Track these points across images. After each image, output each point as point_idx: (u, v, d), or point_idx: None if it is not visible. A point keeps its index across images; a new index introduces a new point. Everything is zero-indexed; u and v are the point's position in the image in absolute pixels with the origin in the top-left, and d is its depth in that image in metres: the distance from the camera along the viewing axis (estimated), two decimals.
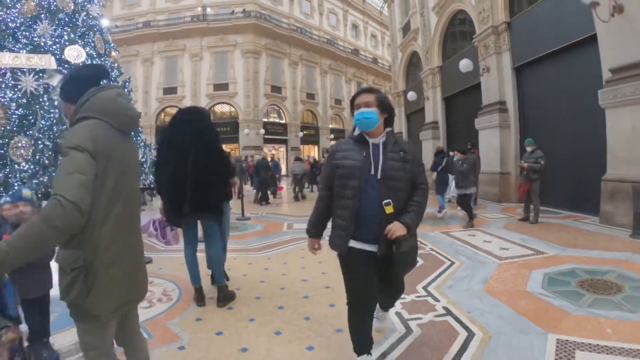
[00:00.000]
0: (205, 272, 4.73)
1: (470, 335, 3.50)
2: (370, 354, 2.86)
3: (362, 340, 2.87)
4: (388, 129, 2.77)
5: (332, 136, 41.99)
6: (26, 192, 3.18)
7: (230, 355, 3.30)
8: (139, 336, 2.40)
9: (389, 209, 2.56)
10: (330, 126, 42.61)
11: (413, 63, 23.41)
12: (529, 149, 9.19)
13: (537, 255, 6.14)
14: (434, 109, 19.12)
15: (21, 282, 2.66)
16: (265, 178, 15.70)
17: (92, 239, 1.85)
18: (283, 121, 37.35)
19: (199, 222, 4.58)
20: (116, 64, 11.80)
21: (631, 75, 8.08)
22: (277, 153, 35.46)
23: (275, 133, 35.91)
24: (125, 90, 11.81)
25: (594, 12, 8.50)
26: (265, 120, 35.42)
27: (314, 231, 2.98)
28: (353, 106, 2.77)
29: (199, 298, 4.47)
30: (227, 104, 34.79)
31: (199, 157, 4.18)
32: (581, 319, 3.73)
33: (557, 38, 10.93)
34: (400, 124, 24.48)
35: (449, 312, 3.97)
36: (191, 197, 4.14)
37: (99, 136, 1.87)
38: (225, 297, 4.49)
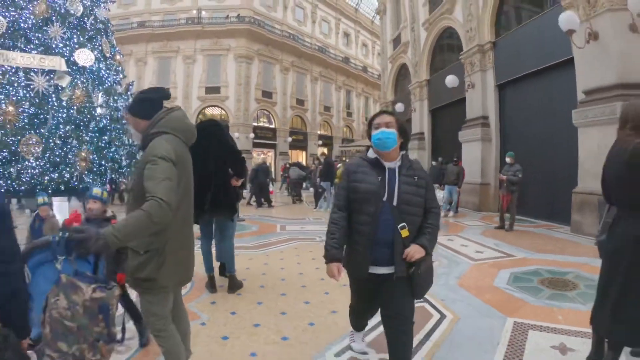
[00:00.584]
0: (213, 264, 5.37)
1: (442, 317, 4.22)
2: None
3: (359, 326, 3.43)
4: (403, 152, 2.80)
5: (320, 142, 42.66)
6: (96, 190, 3.66)
7: (245, 329, 3.98)
8: (183, 308, 3.04)
9: (405, 233, 2.61)
10: (319, 132, 43.23)
11: (402, 74, 24.21)
12: (508, 160, 9.93)
13: (507, 258, 6.91)
14: (421, 121, 19.93)
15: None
16: (264, 182, 16.37)
17: (165, 229, 2.43)
18: (272, 126, 37.90)
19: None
20: (120, 67, 12.38)
21: (599, 98, 8.89)
22: (266, 157, 36.09)
23: (264, 137, 36.44)
24: (129, 93, 12.39)
25: (571, 38, 9.27)
26: (255, 124, 35.92)
27: (337, 254, 2.74)
28: (371, 126, 2.81)
29: (212, 285, 5.12)
30: (218, 107, 35.21)
31: (219, 164, 4.83)
32: (537, 308, 4.45)
33: (537, 59, 11.73)
34: None
35: (426, 300, 4.62)
36: (211, 198, 4.77)
37: (176, 149, 2.50)
38: (235, 285, 5.17)
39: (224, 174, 4.88)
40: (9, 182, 8.89)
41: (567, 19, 8.83)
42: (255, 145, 35.71)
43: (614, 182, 2.85)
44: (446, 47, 18.41)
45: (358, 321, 3.36)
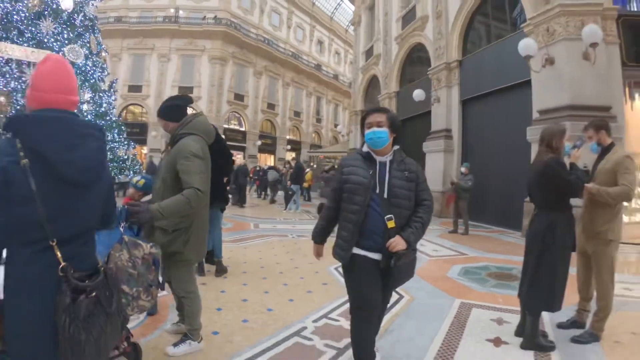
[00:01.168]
0: None
1: (401, 297, 4.96)
2: None
3: (365, 352, 2.90)
4: (395, 147, 2.92)
5: (288, 147, 43.29)
6: (136, 180, 4.34)
7: (235, 303, 4.66)
8: None
9: (391, 224, 2.71)
10: (288, 137, 43.86)
11: (372, 85, 25.01)
12: (463, 170, 10.87)
13: (461, 256, 7.74)
14: None
15: None
16: (244, 183, 17.05)
17: (193, 213, 3.14)
18: (243, 129, 38.32)
19: None
20: (105, 64, 12.80)
21: (552, 117, 9.80)
22: (236, 160, 36.34)
23: (234, 140, 36.72)
24: (112, 90, 12.82)
25: (529, 63, 10.19)
26: (226, 126, 36.21)
27: (319, 239, 3.18)
28: (363, 124, 2.94)
29: (201, 269, 5.77)
30: (191, 107, 35.10)
31: (215, 161, 5.49)
32: (482, 293, 5.22)
33: (499, 79, 12.69)
34: (356, 141, 25.96)
35: None
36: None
37: (203, 147, 3.20)
38: (222, 269, 5.88)
39: (220, 170, 5.55)
40: None
41: (525, 45, 9.77)
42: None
43: (532, 187, 3.76)
44: (416, 60, 19.31)
45: (364, 334, 2.92)
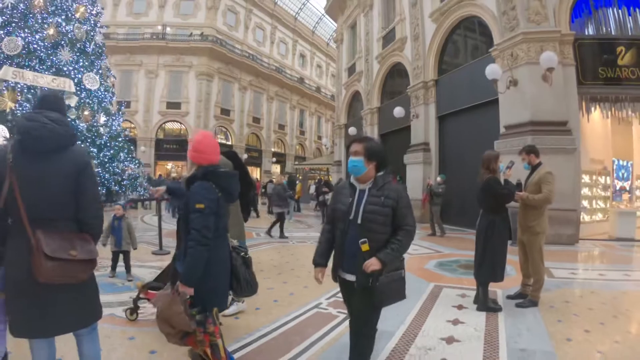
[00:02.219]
0: None
1: None
2: None
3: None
4: (379, 174, 3.08)
5: (274, 159, 44.45)
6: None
7: (264, 290, 5.69)
8: None
9: (365, 247, 2.88)
10: (273, 149, 45.09)
11: (355, 99, 26.49)
12: (439, 179, 12.45)
13: (436, 253, 9.29)
14: None
15: None
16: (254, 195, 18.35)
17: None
18: (229, 142, 39.35)
19: None
20: (113, 88, 14.00)
21: (515, 132, 11.26)
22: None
23: (222, 154, 37.68)
24: (121, 112, 14.02)
25: (495, 85, 11.63)
26: None
27: (320, 261, 3.29)
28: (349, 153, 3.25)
29: None
30: (179, 122, 36.50)
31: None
32: (452, 278, 6.68)
33: (471, 97, 14.18)
34: (340, 154, 27.39)
35: None
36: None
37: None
38: None
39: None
40: None
41: (491, 70, 11.24)
42: None
43: (479, 197, 5.25)
44: (396, 76, 20.80)
45: (352, 344, 3.27)
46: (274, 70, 44.52)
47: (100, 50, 13.34)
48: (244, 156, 39.32)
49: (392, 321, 4.53)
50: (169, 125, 36.74)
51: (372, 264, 2.81)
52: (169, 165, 36.69)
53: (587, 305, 5.35)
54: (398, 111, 17.44)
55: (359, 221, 2.98)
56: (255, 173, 41.89)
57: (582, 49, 11.68)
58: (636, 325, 4.88)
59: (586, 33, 12.16)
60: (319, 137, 52.95)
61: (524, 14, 11.44)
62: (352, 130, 22.49)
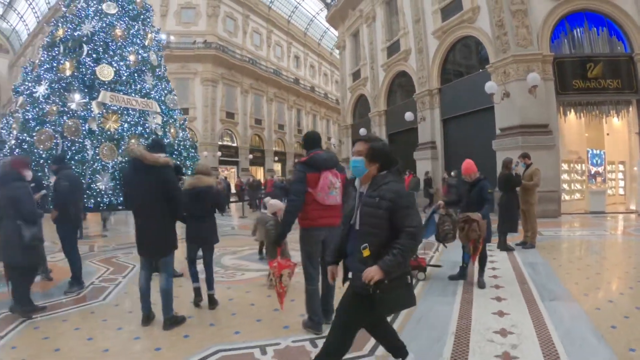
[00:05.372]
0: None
1: None
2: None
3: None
4: (380, 174, 3.02)
5: (276, 158, 48.14)
6: None
7: None
8: None
9: (366, 252, 2.83)
10: (274, 149, 48.55)
11: (360, 101, 30.07)
12: (453, 174, 15.99)
13: None
14: None
15: None
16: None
17: None
18: (235, 144, 42.63)
19: None
20: (173, 105, 17.35)
21: (509, 134, 14.98)
22: (229, 173, 40.70)
23: (228, 155, 40.94)
24: (185, 123, 17.40)
25: (492, 97, 15.29)
26: (220, 143, 40.36)
27: (330, 259, 3.37)
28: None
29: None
30: (188, 127, 39.09)
31: None
32: None
33: (471, 104, 17.92)
34: (348, 152, 30.59)
35: None
36: None
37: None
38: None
39: None
40: None
41: (489, 86, 14.85)
42: (221, 162, 40.05)
43: (500, 185, 8.88)
44: (403, 83, 24.45)
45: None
46: (272, 73, 47.86)
47: (165, 72, 16.83)
48: (249, 156, 42.68)
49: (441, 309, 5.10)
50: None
51: (372, 273, 2.73)
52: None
53: (566, 247, 9.32)
54: (408, 115, 21.06)
55: (357, 226, 3.01)
56: (259, 172, 45.26)
57: (559, 66, 15.45)
58: (596, 255, 8.72)
59: (563, 52, 15.86)
60: (329, 139, 56.73)
61: (513, 39, 15.16)
62: (362, 131, 26.02)
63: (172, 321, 4.72)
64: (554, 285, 6.04)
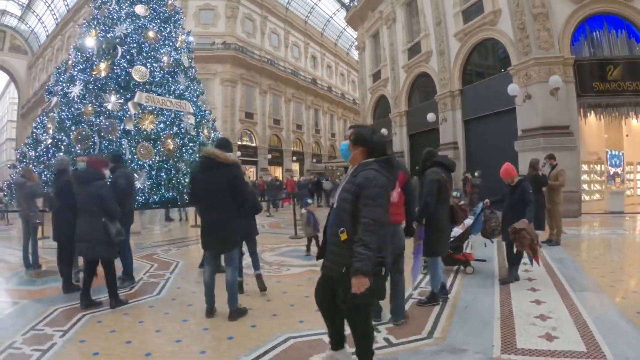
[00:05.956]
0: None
1: None
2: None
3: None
4: (368, 160, 3.15)
5: (294, 158, 48.79)
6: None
7: None
8: None
9: (343, 236, 2.96)
10: (292, 149, 49.19)
11: (380, 102, 30.69)
12: (476, 174, 16.53)
13: None
14: (401, 142, 26.42)
15: None
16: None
17: None
18: (254, 144, 43.37)
19: None
20: (205, 105, 18.03)
21: (531, 135, 15.49)
22: (248, 173, 41.38)
23: (247, 155, 41.41)
24: (214, 123, 18.10)
25: (514, 100, 15.80)
26: (240, 143, 40.99)
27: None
28: None
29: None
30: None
31: None
32: None
33: (492, 105, 18.41)
34: None
35: None
36: None
37: None
38: None
39: None
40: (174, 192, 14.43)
41: (512, 89, 15.37)
42: (241, 162, 40.23)
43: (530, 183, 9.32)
44: (423, 84, 25.00)
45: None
46: (290, 73, 48.60)
47: (196, 73, 17.58)
48: (268, 156, 43.40)
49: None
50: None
51: (359, 285, 2.80)
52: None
53: (589, 244, 10.02)
54: (430, 116, 21.67)
55: (335, 206, 3.18)
56: (277, 172, 45.96)
57: (580, 68, 15.91)
58: (618, 252, 9.32)
59: (583, 55, 16.30)
60: (332, 135, 57.40)
61: (535, 42, 15.65)
62: (383, 132, 26.68)
63: (238, 312, 5.12)
64: (582, 278, 6.67)
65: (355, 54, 58.28)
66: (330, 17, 55.63)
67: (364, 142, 3.18)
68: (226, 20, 42.04)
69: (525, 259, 6.53)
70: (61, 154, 12.82)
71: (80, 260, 6.62)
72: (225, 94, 39.97)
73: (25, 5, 57.29)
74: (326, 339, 3.99)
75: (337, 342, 3.57)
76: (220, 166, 5.01)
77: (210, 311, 5.22)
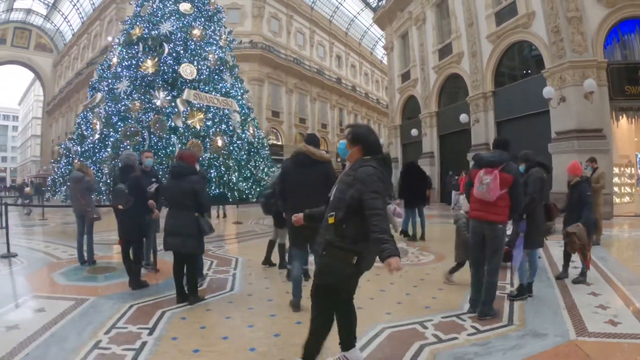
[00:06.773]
0: None
1: None
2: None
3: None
4: (364, 157, 3.31)
5: None
6: None
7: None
8: None
9: (331, 220, 3.20)
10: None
11: (409, 103, 31.16)
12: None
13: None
14: (431, 143, 26.93)
15: None
16: None
17: None
18: (280, 143, 44.21)
19: None
20: (250, 104, 18.80)
21: (565, 137, 16.02)
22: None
23: (273, 153, 41.74)
24: (257, 123, 18.85)
25: (549, 102, 16.32)
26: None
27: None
28: None
29: None
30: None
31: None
32: None
33: (526, 107, 18.92)
34: (396, 151, 31.94)
35: None
36: None
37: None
38: None
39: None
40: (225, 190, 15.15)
41: (547, 91, 15.90)
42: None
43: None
44: (453, 85, 25.57)
45: None
46: (315, 73, 49.51)
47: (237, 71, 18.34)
48: None
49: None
50: None
51: (395, 265, 2.83)
52: None
53: (626, 244, 10.64)
54: (463, 117, 22.25)
55: (331, 197, 3.39)
56: None
57: (612, 72, 16.36)
58: None
59: (615, 58, 16.80)
60: None
61: (569, 45, 16.14)
62: (414, 132, 27.25)
63: None
64: (628, 274, 7.29)
65: (378, 54, 58.82)
66: (355, 16, 56.27)
67: (360, 141, 3.35)
68: (253, 19, 42.95)
69: (575, 257, 6.99)
70: (124, 150, 13.19)
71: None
72: (253, 92, 40.45)
73: (50, 5, 58.74)
74: (419, 328, 4.51)
75: (345, 342, 3.71)
76: (317, 163, 5.20)
77: (298, 305, 5.32)
